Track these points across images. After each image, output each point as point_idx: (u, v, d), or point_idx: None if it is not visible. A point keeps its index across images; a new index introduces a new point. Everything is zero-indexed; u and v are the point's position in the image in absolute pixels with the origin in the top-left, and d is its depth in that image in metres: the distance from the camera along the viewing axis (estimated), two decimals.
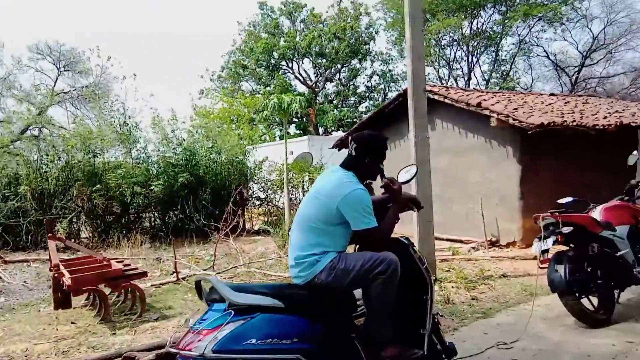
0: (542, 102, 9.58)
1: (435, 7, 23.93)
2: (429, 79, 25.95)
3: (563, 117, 7.96)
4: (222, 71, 29.32)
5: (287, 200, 11.23)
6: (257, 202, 13.58)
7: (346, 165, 2.78)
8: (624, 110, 9.73)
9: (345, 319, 2.60)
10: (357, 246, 2.83)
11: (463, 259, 7.19)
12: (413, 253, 2.79)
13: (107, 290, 5.13)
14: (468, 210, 8.52)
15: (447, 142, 8.96)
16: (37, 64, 20.65)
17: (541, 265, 4.09)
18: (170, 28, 50.37)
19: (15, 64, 19.64)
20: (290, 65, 28.96)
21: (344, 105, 29.39)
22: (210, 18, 50.38)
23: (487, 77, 27.13)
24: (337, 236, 2.65)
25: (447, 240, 8.62)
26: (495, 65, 26.78)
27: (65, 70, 21.22)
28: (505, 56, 26.74)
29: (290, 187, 12.30)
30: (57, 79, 21.12)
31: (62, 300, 5.38)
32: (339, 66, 28.69)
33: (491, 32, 25.24)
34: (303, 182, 13.04)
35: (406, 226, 5.83)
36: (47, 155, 11.27)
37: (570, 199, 4.54)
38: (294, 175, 13.21)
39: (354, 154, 2.76)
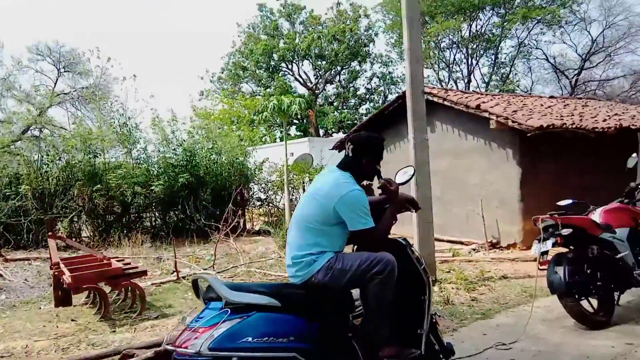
0: (542, 105, 9.58)
1: (434, 10, 23.98)
2: (429, 81, 26.00)
3: (562, 119, 7.97)
4: (222, 72, 29.40)
5: (288, 201, 11.25)
6: (258, 203, 13.60)
7: (343, 166, 2.79)
8: (623, 113, 9.73)
9: (342, 318, 2.60)
10: (355, 247, 2.84)
11: (463, 260, 7.19)
12: (411, 253, 2.80)
13: (107, 289, 5.14)
14: (468, 212, 8.52)
15: (447, 144, 8.97)
16: (37, 65, 20.70)
17: (540, 267, 4.09)
18: (170, 29, 50.49)
19: (15, 65, 19.70)
20: (290, 67, 29.01)
21: (344, 107, 29.43)
22: (210, 19, 50.53)
23: (486, 80, 27.17)
24: (335, 236, 2.65)
25: (448, 241, 8.63)
26: (495, 68, 26.83)
27: (65, 71, 21.26)
28: (505, 59, 26.83)
29: (290, 188, 12.32)
30: (57, 79, 21.17)
31: (62, 298, 5.41)
32: (339, 68, 28.74)
33: (490, 35, 25.28)
34: (303, 183, 13.06)
35: (406, 227, 5.84)
36: (48, 155, 11.29)
37: (569, 201, 4.55)
38: (294, 176, 13.23)
39: (350, 154, 2.77)
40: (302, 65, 29.05)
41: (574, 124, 7.79)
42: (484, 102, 8.16)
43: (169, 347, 2.29)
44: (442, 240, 8.57)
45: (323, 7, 45.49)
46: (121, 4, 47.93)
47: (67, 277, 4.76)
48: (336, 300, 2.61)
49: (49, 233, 6.07)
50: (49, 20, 40.38)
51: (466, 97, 8.70)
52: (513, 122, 7.42)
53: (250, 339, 2.23)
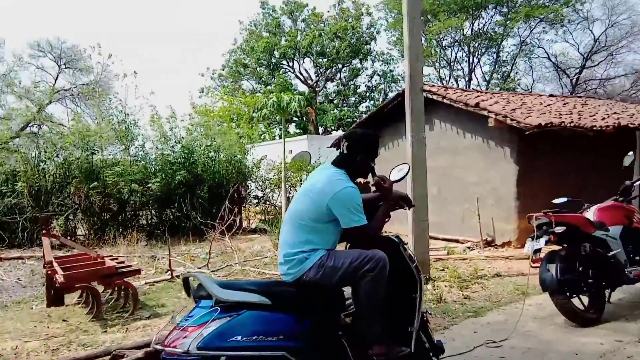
0: (541, 103, 9.56)
1: (436, 8, 23.92)
2: (430, 79, 25.96)
3: (561, 117, 7.94)
4: (223, 70, 29.35)
5: (285, 199, 11.22)
6: (255, 201, 13.57)
7: (337, 163, 2.78)
8: (622, 111, 9.71)
9: (333, 316, 2.59)
10: (348, 244, 2.82)
11: (458, 258, 7.18)
12: (403, 251, 2.78)
13: (100, 288, 5.10)
14: (464, 210, 8.50)
15: (445, 142, 8.95)
16: (38, 61, 20.73)
17: (533, 265, 4.09)
18: (172, 27, 50.42)
19: (16, 61, 19.68)
20: (291, 64, 28.98)
21: (345, 104, 29.39)
22: (212, 17, 50.43)
23: (488, 78, 27.15)
24: (327, 234, 2.64)
25: (443, 239, 8.62)
26: (496, 66, 26.79)
27: (66, 68, 21.25)
28: (506, 57, 26.78)
29: (288, 186, 12.30)
30: (57, 76, 21.16)
31: (54, 297, 5.33)
32: (340, 66, 28.69)
33: (492, 33, 25.22)
34: (301, 180, 13.04)
35: (401, 225, 5.82)
36: (45, 152, 11.25)
37: (564, 199, 4.55)
38: (292, 174, 13.21)
39: (345, 152, 2.75)
40: (303, 62, 29.08)
41: (572, 122, 7.76)
42: (483, 100, 8.14)
43: (158, 347, 2.27)
44: (438, 239, 8.56)
45: (325, 4, 45.41)
46: (121, 4, 47.85)
47: (59, 276, 4.71)
48: (327, 298, 2.59)
49: (43, 231, 6.02)
50: (50, 19, 40.36)
51: (465, 95, 8.68)
52: (511, 120, 7.39)
53: (239, 337, 2.21)
